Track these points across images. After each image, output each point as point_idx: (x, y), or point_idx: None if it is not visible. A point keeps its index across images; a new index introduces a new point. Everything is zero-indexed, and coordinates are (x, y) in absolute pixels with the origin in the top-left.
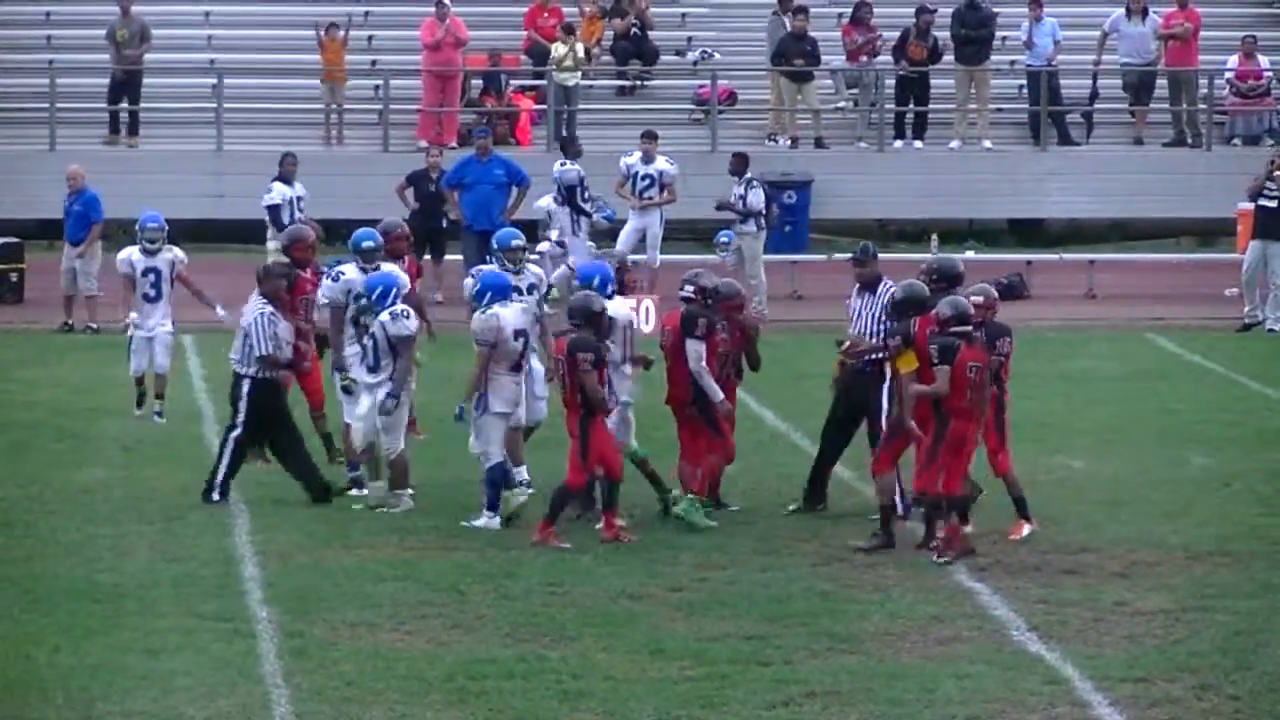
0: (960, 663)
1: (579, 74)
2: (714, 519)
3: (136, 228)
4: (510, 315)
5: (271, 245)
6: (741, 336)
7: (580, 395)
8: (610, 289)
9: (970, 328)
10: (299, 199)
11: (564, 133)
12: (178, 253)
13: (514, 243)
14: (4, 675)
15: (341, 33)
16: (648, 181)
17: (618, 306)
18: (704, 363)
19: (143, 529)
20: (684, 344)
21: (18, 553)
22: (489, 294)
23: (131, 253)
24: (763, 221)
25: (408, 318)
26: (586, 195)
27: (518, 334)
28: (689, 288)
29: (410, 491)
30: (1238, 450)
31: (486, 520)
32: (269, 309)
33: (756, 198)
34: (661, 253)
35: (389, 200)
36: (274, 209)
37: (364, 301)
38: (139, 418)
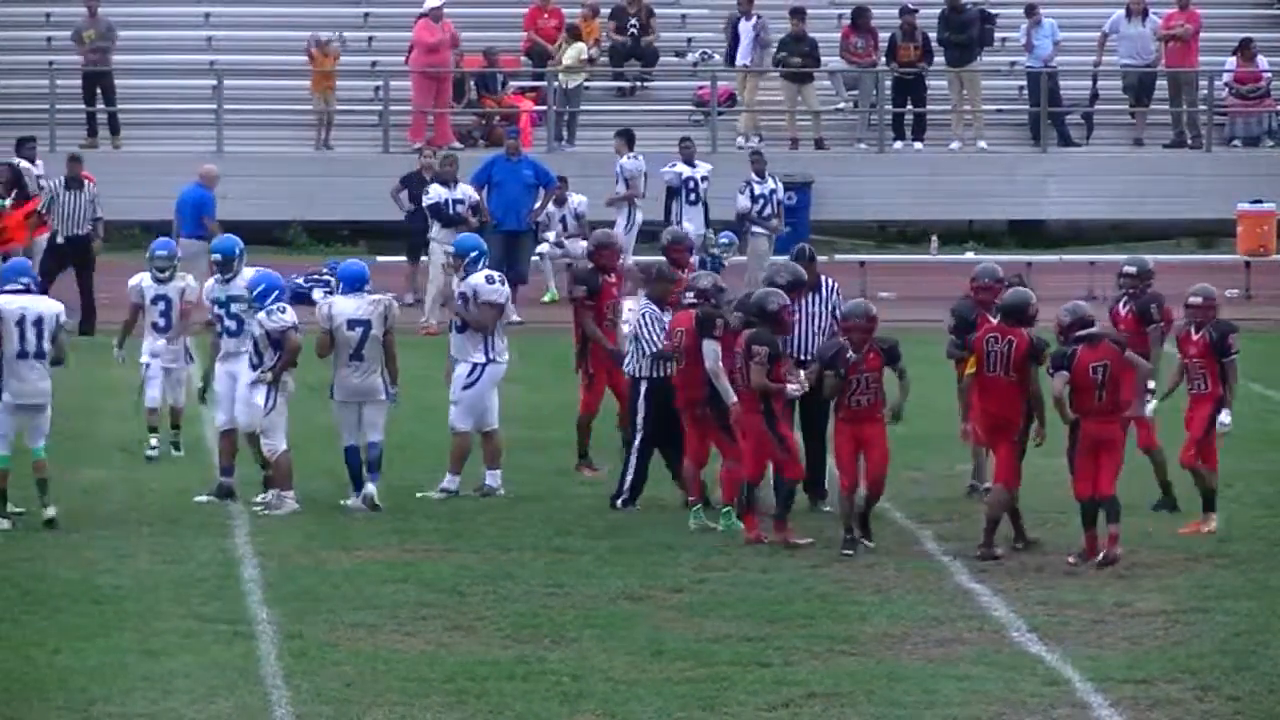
0: (960, 664)
1: (582, 75)
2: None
3: (147, 256)
4: (349, 306)
5: (436, 240)
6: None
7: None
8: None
9: (1093, 330)
10: (457, 201)
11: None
12: (190, 281)
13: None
14: (4, 676)
15: (334, 44)
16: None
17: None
18: (720, 363)
19: (143, 530)
20: (699, 344)
21: (17, 554)
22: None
23: (143, 279)
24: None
25: (283, 313)
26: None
27: (352, 324)
28: (689, 294)
29: (293, 493)
30: (1238, 451)
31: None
32: (653, 309)
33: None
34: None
35: (389, 202)
36: (435, 207)
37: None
38: (153, 452)
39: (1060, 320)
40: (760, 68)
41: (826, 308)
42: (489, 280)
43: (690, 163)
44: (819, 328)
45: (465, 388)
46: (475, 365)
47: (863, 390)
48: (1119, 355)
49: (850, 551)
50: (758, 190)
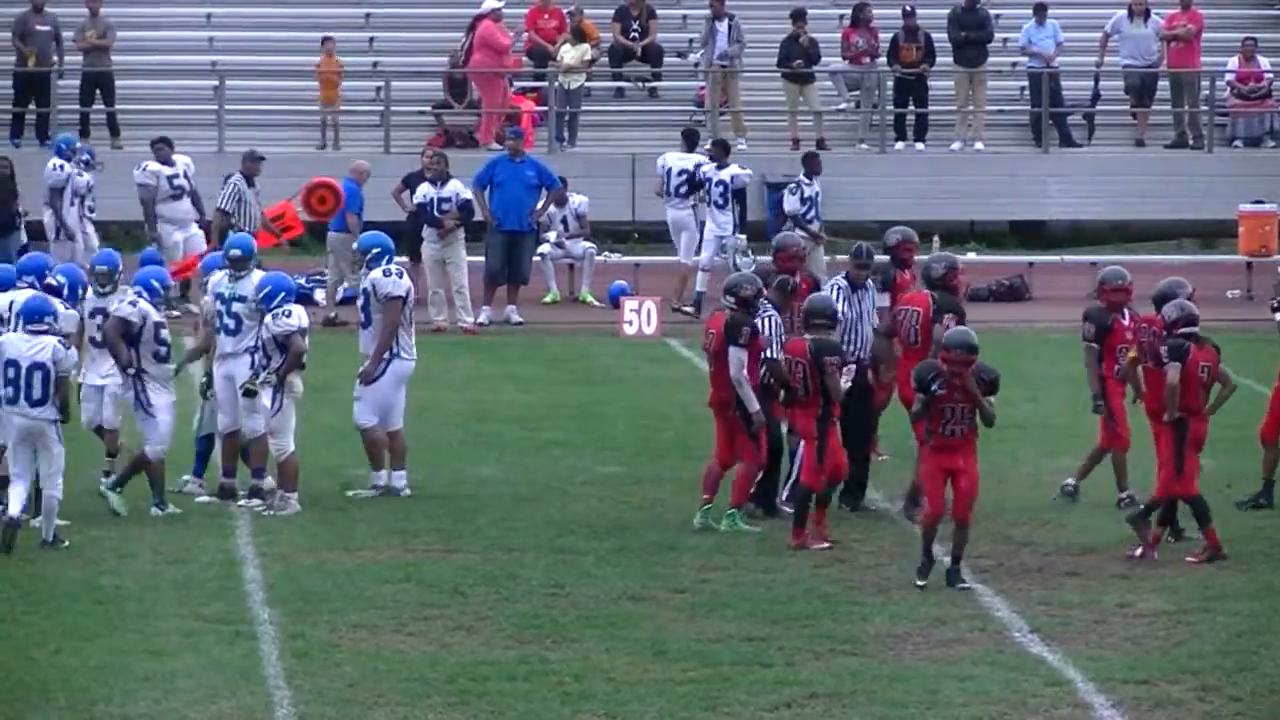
0: (962, 664)
1: (583, 76)
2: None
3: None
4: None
5: (425, 239)
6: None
7: (822, 396)
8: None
9: (1197, 329)
10: (443, 200)
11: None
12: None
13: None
14: (6, 677)
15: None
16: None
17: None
18: (745, 371)
19: (144, 531)
20: (727, 349)
21: (19, 554)
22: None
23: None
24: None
25: (289, 316)
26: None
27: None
28: (729, 298)
29: (296, 495)
30: (1240, 452)
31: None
32: (776, 317)
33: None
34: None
35: (390, 201)
36: (420, 208)
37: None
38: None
39: (1166, 316)
40: (734, 68)
41: (874, 307)
42: (387, 274)
43: (720, 164)
44: (870, 327)
45: (368, 383)
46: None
47: (957, 420)
48: (1217, 359)
49: (923, 582)
50: (807, 192)
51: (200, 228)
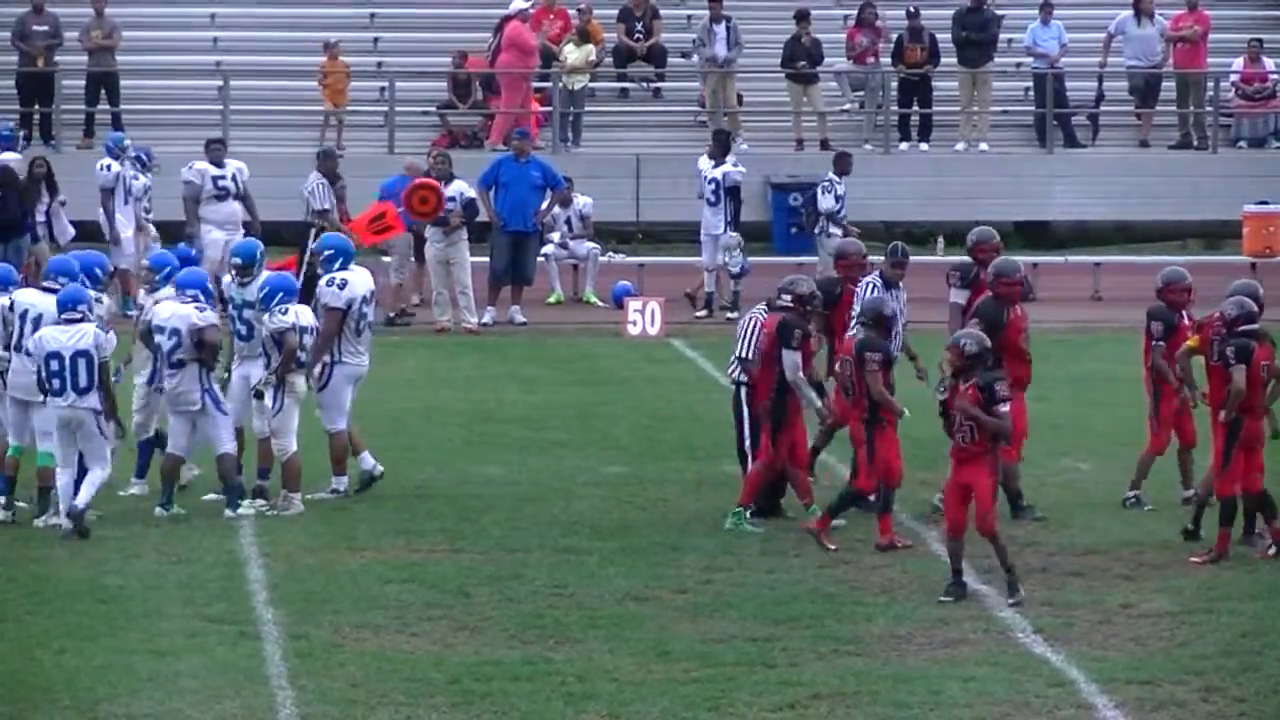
0: (966, 665)
1: (587, 77)
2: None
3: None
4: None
5: (429, 239)
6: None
7: (868, 398)
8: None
9: (1258, 326)
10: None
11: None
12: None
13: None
14: (10, 676)
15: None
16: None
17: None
18: (800, 373)
19: (148, 531)
20: (778, 350)
21: (23, 554)
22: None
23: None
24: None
25: (285, 314)
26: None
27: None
28: (786, 296)
29: (299, 495)
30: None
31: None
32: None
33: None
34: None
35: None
36: None
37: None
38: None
39: (1225, 313)
40: (727, 69)
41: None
42: (330, 283)
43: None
44: (902, 325)
45: (319, 390)
46: (324, 366)
47: (962, 428)
48: (1273, 355)
49: (948, 599)
50: (840, 190)
51: (249, 231)
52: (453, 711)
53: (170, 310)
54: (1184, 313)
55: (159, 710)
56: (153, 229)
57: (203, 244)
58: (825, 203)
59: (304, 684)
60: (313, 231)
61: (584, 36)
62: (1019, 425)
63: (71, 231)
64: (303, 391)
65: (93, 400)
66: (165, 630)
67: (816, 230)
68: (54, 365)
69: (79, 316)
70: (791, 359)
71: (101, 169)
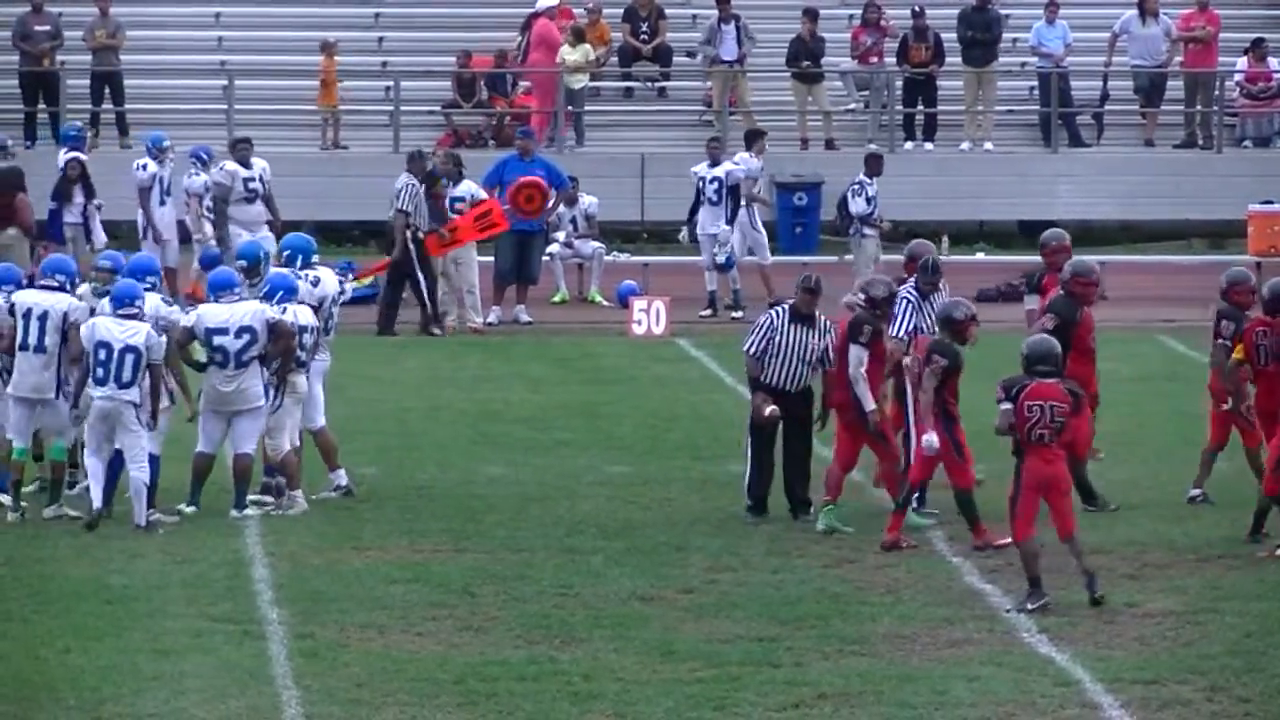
0: (971, 665)
1: (586, 77)
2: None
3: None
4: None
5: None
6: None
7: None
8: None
9: None
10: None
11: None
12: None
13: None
14: (15, 676)
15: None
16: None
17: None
18: (863, 369)
19: (154, 530)
20: (849, 347)
21: (28, 554)
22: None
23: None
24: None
25: (283, 313)
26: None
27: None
28: (860, 295)
29: (300, 492)
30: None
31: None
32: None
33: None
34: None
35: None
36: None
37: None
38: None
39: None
40: (739, 68)
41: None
42: (305, 280)
43: (715, 163)
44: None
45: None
46: None
47: (1043, 424)
48: None
49: (1031, 606)
50: (870, 192)
51: (271, 230)
52: (458, 711)
53: (229, 311)
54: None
55: (164, 710)
56: (208, 227)
57: (230, 246)
58: (856, 205)
59: (309, 684)
60: (408, 233)
61: (579, 36)
62: (1083, 430)
63: (103, 238)
64: (303, 391)
65: (133, 394)
66: (170, 630)
67: (850, 232)
68: (101, 355)
69: (135, 313)
70: (857, 354)
71: (138, 168)
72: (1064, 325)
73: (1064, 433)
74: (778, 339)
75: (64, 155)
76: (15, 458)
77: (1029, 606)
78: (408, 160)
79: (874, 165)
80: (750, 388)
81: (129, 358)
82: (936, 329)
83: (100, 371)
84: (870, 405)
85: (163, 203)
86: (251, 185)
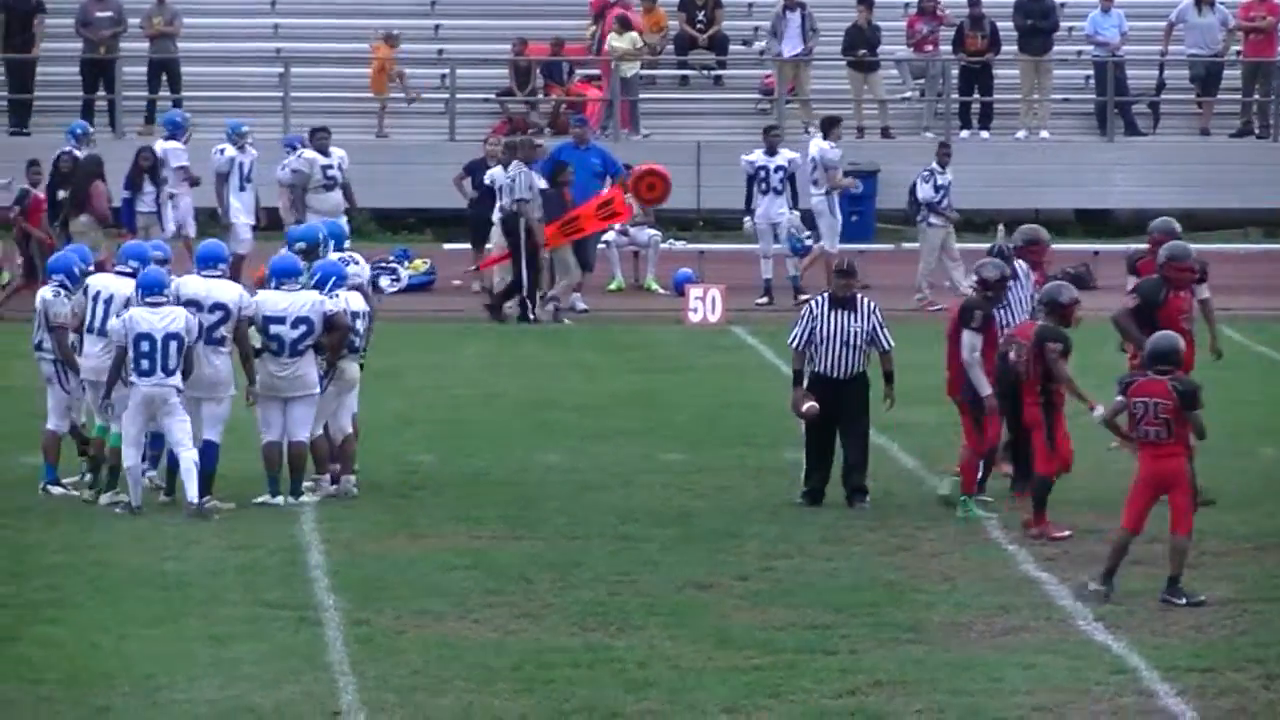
0: (1026, 652)
1: (638, 64)
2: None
3: None
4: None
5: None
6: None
7: (1044, 383)
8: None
9: None
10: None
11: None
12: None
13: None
14: (70, 663)
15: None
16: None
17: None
18: (977, 353)
19: (210, 517)
20: (960, 332)
21: (85, 540)
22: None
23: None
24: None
25: (335, 299)
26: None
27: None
28: (972, 277)
29: (326, 477)
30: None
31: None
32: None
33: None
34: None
35: (455, 189)
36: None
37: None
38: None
39: None
40: (806, 57)
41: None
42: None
43: (771, 152)
44: (1020, 318)
45: None
46: None
47: (1150, 420)
48: None
49: (1099, 587)
50: (940, 180)
51: (349, 217)
52: (514, 698)
53: (289, 300)
54: None
55: (219, 696)
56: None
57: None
58: (924, 192)
59: (365, 670)
60: (522, 221)
61: (624, 25)
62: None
63: (172, 227)
64: (353, 379)
65: (178, 380)
66: (225, 616)
67: (918, 219)
68: (144, 346)
69: (164, 300)
70: (970, 339)
71: (216, 154)
72: (1146, 306)
73: (1176, 429)
74: (819, 327)
75: (162, 144)
76: (95, 434)
77: (1090, 586)
78: (519, 148)
79: (943, 153)
80: (793, 382)
81: (172, 345)
82: (1039, 313)
83: (146, 363)
84: (986, 390)
85: (243, 188)
86: (330, 173)
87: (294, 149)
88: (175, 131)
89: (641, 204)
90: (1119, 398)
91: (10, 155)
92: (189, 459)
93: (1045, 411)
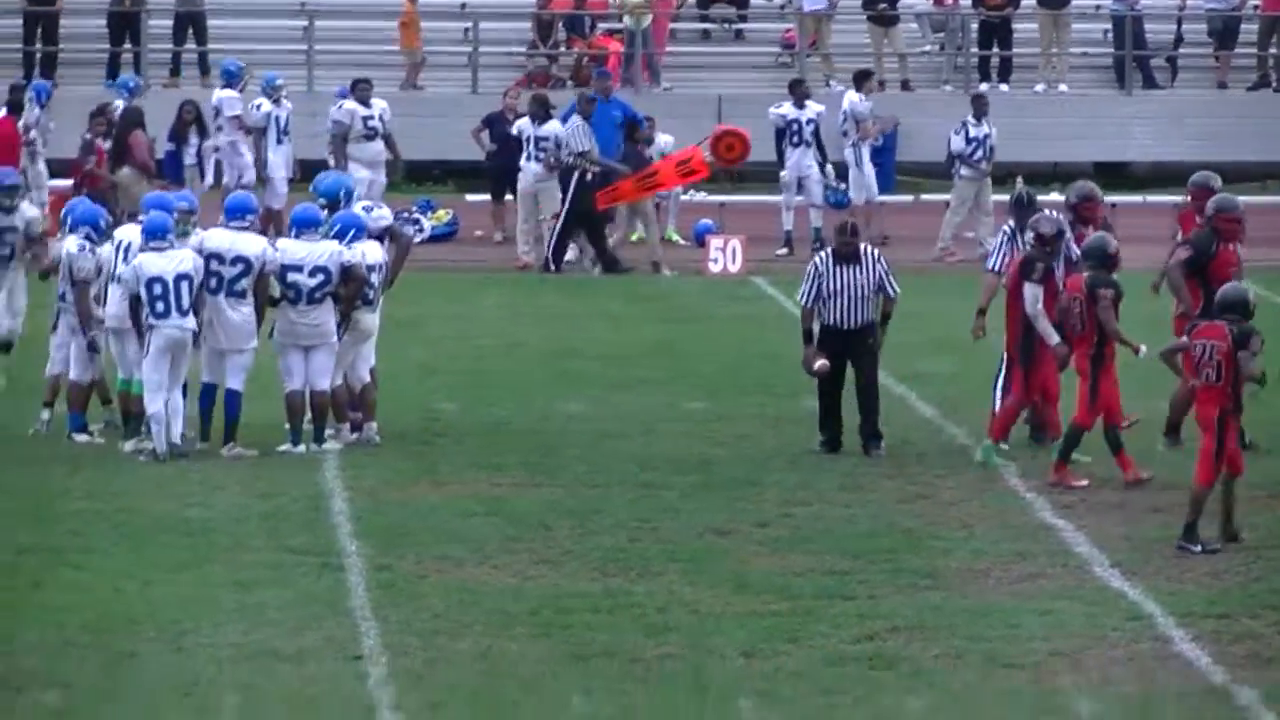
0: (1043, 599)
1: (649, 16)
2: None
3: None
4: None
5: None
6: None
7: (1097, 334)
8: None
9: None
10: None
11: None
12: (34, 212)
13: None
14: (95, 608)
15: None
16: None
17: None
18: (1040, 304)
19: (233, 464)
20: (1021, 285)
21: (110, 488)
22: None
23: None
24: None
25: (352, 249)
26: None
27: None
28: (1029, 233)
29: (345, 426)
30: None
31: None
32: None
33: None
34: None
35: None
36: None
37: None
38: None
39: None
40: (830, 11)
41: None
42: None
43: (800, 104)
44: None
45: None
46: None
47: (1206, 363)
48: None
49: (1190, 545)
50: (973, 132)
51: (391, 167)
52: (533, 642)
53: (308, 250)
54: None
55: (243, 641)
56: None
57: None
58: (956, 144)
59: (387, 615)
60: (576, 174)
61: None
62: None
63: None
64: (369, 329)
65: (194, 322)
66: (249, 563)
67: (951, 171)
68: (157, 289)
69: (167, 245)
70: (1032, 292)
71: (253, 108)
72: (1198, 257)
73: (1225, 372)
74: (825, 283)
75: (218, 93)
76: (119, 389)
77: (1180, 544)
78: (578, 101)
79: (978, 105)
80: (804, 340)
81: (184, 285)
82: (1081, 265)
83: (160, 305)
84: (1054, 339)
85: (280, 141)
86: (371, 124)
87: (344, 97)
88: (231, 80)
89: (720, 164)
90: (1182, 339)
91: None
92: (176, 401)
93: (1093, 363)
